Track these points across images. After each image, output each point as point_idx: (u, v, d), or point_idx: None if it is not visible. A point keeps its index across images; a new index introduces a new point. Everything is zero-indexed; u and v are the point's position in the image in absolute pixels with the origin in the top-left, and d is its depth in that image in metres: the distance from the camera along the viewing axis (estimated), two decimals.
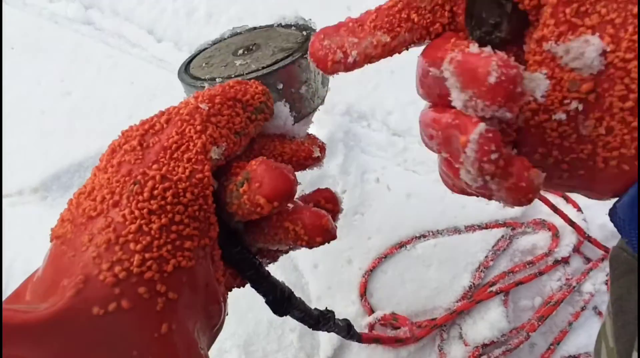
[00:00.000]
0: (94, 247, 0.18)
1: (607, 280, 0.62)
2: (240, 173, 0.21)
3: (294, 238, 0.22)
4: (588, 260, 0.63)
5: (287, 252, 0.25)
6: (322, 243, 0.22)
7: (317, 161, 0.27)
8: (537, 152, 0.21)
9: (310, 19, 0.33)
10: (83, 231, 0.19)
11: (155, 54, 0.73)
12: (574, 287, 0.60)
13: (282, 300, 0.24)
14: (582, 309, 0.60)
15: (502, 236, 0.63)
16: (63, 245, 0.19)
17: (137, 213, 0.18)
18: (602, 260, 0.62)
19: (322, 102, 0.31)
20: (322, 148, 0.27)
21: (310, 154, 0.26)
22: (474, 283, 0.60)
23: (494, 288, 0.59)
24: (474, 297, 0.59)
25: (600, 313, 0.60)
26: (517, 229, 0.63)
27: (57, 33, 0.76)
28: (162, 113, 0.22)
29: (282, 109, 0.26)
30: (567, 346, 0.59)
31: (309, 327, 0.26)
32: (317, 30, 0.26)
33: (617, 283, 0.34)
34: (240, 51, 0.30)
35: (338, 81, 0.76)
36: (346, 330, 0.32)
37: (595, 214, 0.66)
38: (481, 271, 0.61)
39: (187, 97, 0.23)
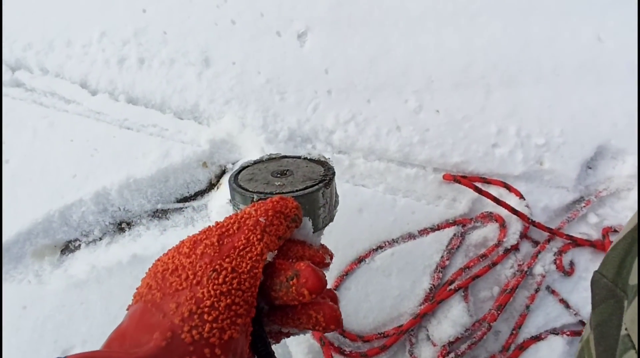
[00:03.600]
0: (179, 313, 0.24)
1: (555, 259, 0.65)
2: (287, 269, 0.28)
3: (314, 323, 0.28)
4: (536, 243, 0.67)
5: (288, 336, 0.31)
6: (333, 330, 0.29)
7: (327, 266, 0.34)
8: None
9: (329, 158, 0.43)
10: (170, 299, 0.25)
11: (91, 107, 0.72)
12: (526, 271, 0.64)
13: None
14: (537, 291, 0.63)
15: (454, 235, 0.66)
16: (153, 307, 0.25)
17: (212, 292, 0.25)
18: (549, 241, 0.66)
19: (332, 220, 0.40)
20: (332, 256, 0.36)
21: (323, 260, 0.34)
22: (433, 285, 0.63)
23: (453, 286, 0.62)
24: (436, 298, 0.61)
25: (554, 292, 0.64)
26: (467, 225, 0.66)
27: None
28: (234, 221, 0.29)
29: (307, 223, 0.33)
30: (528, 328, 0.62)
31: None
32: (333, 167, 0.40)
33: (597, 308, 0.35)
34: (277, 174, 0.39)
35: (277, 108, 0.76)
36: None
37: (538, 198, 0.69)
38: (439, 271, 0.63)
39: (247, 207, 0.31)
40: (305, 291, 0.27)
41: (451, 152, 0.69)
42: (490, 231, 0.66)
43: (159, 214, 0.69)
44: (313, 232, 0.34)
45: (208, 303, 0.24)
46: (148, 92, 0.73)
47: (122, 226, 0.69)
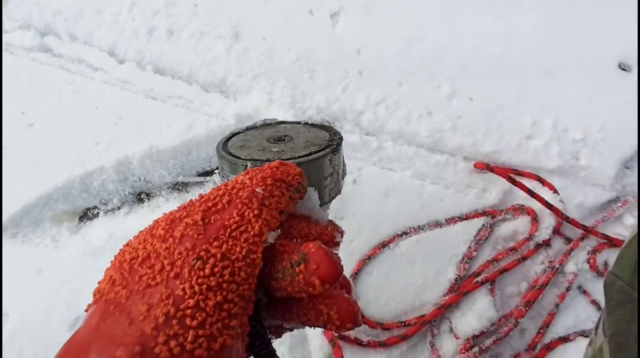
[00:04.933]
0: (152, 318, 0.18)
1: (588, 258, 0.62)
2: (292, 252, 0.22)
3: (326, 320, 0.22)
4: (568, 240, 0.64)
5: (292, 330, 0.25)
6: (350, 329, 0.23)
7: (337, 245, 0.28)
8: None
9: (333, 122, 0.39)
10: (140, 299, 0.19)
11: (118, 76, 0.71)
12: (557, 269, 0.61)
13: None
14: (567, 290, 0.60)
15: (483, 225, 0.63)
16: (116, 309, 0.19)
17: (196, 288, 0.19)
18: (582, 238, 0.63)
19: (339, 193, 0.35)
20: (342, 234, 0.29)
21: (332, 238, 0.27)
22: (459, 275, 0.60)
23: (479, 278, 0.59)
24: (461, 289, 0.59)
25: (585, 292, 0.61)
26: (497, 216, 0.63)
27: (13, 64, 0.74)
28: (223, 193, 0.23)
29: (312, 194, 0.28)
30: (556, 328, 0.59)
31: None
32: (339, 132, 0.34)
33: (613, 315, 0.31)
34: (274, 140, 0.34)
35: (307, 86, 0.75)
36: None
37: (572, 194, 0.66)
38: (465, 262, 0.61)
39: (239, 175, 0.25)
40: (316, 281, 0.21)
41: (483, 141, 0.67)
42: (520, 224, 0.63)
43: (179, 186, 0.68)
44: (320, 205, 0.29)
45: (191, 302, 0.18)
46: (176, 63, 0.72)
47: (141, 196, 0.67)
